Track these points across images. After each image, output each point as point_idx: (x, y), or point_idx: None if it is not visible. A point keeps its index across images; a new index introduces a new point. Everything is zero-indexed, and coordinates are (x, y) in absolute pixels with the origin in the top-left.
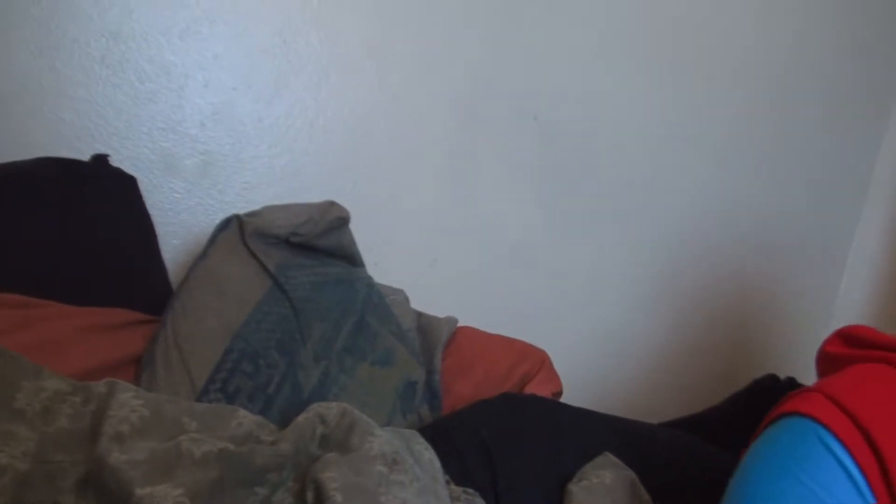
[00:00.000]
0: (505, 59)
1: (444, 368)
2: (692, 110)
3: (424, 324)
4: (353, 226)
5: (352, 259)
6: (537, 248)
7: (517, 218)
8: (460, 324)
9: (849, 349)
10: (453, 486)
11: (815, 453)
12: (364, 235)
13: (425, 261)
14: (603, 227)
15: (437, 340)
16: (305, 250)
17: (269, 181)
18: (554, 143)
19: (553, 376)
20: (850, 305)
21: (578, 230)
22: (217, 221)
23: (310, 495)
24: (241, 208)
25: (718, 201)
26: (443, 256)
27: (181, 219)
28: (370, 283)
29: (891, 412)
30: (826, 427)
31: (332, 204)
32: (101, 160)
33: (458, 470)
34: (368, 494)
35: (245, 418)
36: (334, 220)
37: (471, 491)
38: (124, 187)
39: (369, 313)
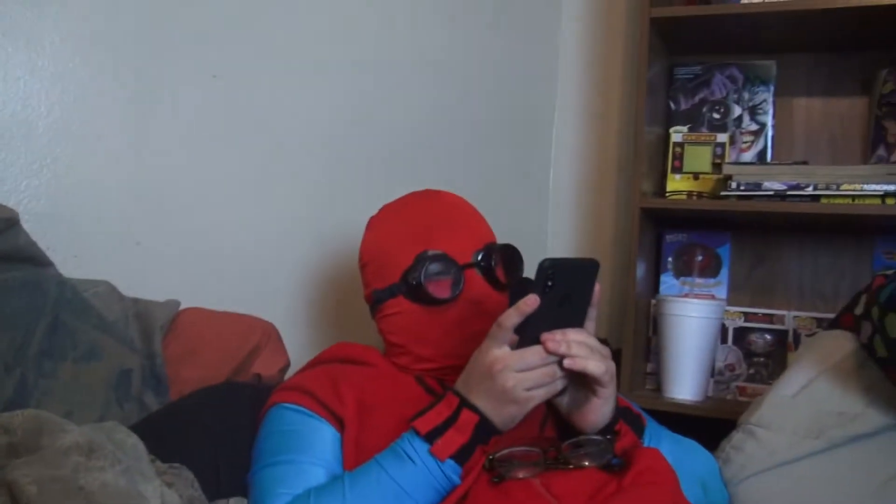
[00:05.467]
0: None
1: (170, 354)
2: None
3: (142, 310)
4: (44, 222)
5: (34, 259)
6: (241, 211)
7: (213, 183)
8: (184, 305)
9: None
10: (159, 463)
11: (284, 416)
12: (56, 230)
13: (128, 245)
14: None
15: (154, 325)
16: None
17: None
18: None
19: (280, 349)
20: None
21: (281, 188)
22: None
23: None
24: None
25: None
26: (146, 238)
27: None
28: (61, 281)
29: (319, 377)
30: (284, 402)
31: None
32: None
33: (177, 448)
34: (65, 482)
35: None
36: None
37: (177, 465)
38: None
39: (64, 311)
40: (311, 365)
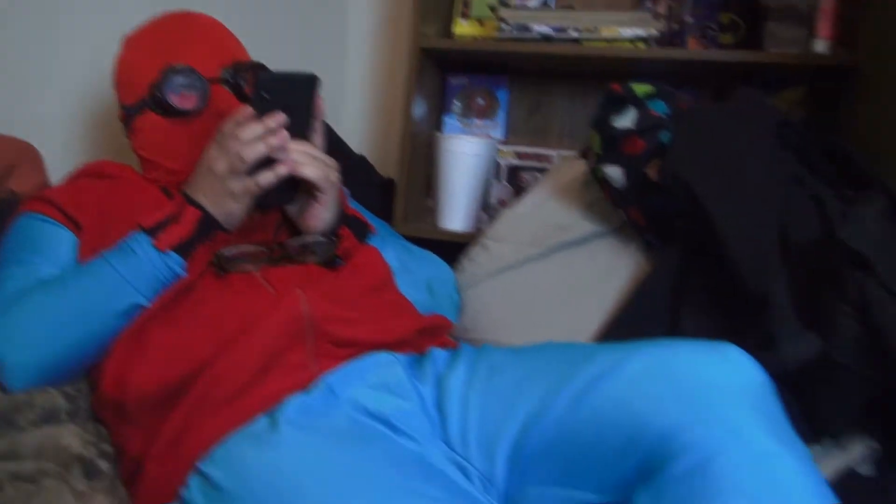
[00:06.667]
0: None
1: None
2: None
3: None
4: None
5: None
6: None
7: None
8: None
9: None
10: None
11: (25, 223)
12: None
13: None
14: None
15: None
16: None
17: None
18: None
19: (37, 168)
20: None
21: (55, 16)
22: None
23: None
24: None
25: None
26: None
27: None
28: None
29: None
30: (27, 211)
31: None
32: None
33: None
34: None
35: None
36: None
37: None
38: None
39: None
40: (63, 180)
